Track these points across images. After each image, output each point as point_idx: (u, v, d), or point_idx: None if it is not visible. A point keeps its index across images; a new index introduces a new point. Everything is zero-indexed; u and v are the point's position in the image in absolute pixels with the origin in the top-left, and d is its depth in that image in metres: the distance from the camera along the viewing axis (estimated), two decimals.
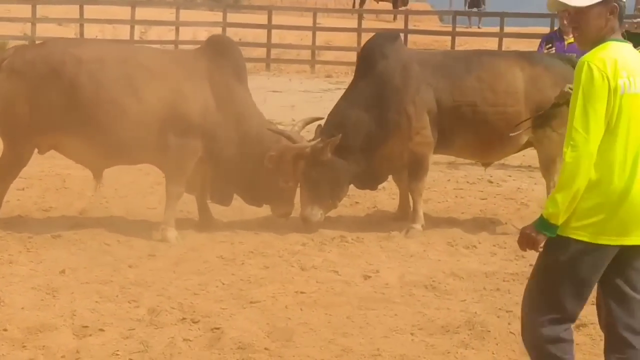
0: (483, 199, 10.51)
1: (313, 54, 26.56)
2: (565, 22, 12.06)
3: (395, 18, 34.90)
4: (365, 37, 24.43)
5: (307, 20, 28.04)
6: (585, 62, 4.10)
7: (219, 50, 8.88)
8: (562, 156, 4.14)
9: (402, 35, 24.96)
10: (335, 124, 8.91)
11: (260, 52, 26.78)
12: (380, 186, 9.66)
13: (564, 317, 4.32)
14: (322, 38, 27.92)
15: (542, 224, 4.20)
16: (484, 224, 9.28)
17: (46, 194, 10.11)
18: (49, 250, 7.87)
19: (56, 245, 8.04)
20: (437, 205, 10.16)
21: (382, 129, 8.85)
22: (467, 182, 11.50)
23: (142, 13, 27.44)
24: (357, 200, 10.05)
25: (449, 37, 26.37)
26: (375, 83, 8.92)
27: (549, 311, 4.31)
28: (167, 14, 28.65)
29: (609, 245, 4.19)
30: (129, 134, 8.39)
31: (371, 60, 9.03)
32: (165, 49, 19.87)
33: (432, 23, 37.88)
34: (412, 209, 9.03)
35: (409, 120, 8.81)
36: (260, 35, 26.99)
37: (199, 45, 9.53)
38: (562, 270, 4.24)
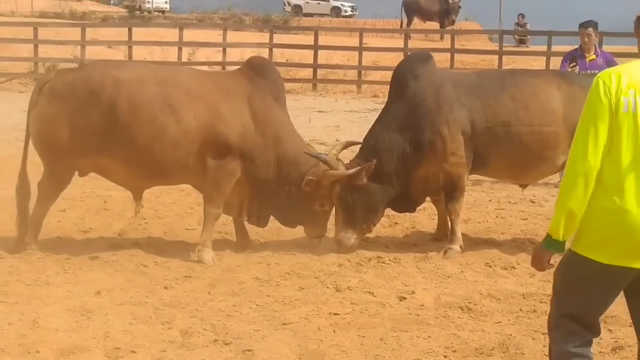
0: (524, 219, 10.40)
1: (359, 74, 26.58)
2: (585, 39, 12.05)
3: (442, 37, 34.89)
4: None
5: (354, 41, 28.08)
6: (596, 77, 4.04)
7: (258, 72, 8.89)
8: None
9: (449, 54, 25.23)
10: (370, 148, 8.87)
11: (307, 73, 26.89)
12: (419, 207, 9.58)
13: (575, 330, 4.20)
14: (368, 58, 27.96)
15: (547, 240, 4.18)
16: (524, 245, 9.18)
17: (86, 215, 10.18)
18: (85, 272, 7.91)
19: (93, 267, 8.08)
20: (477, 225, 10.07)
21: (416, 150, 8.79)
22: (509, 202, 11.39)
23: (190, 35, 27.66)
24: (395, 221, 10.00)
25: (496, 56, 26.28)
26: (408, 104, 8.86)
27: (561, 324, 4.23)
28: (215, 35, 28.90)
29: (630, 268, 4.06)
30: (168, 155, 8.43)
31: (403, 81, 8.98)
32: (211, 70, 19.99)
33: (482, 42, 37.82)
34: (450, 230, 8.96)
35: (443, 141, 8.74)
36: (307, 55, 27.10)
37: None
38: (578, 287, 4.16)
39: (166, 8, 56.58)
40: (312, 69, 26.59)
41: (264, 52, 25.53)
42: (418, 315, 6.95)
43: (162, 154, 8.42)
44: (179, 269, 8.08)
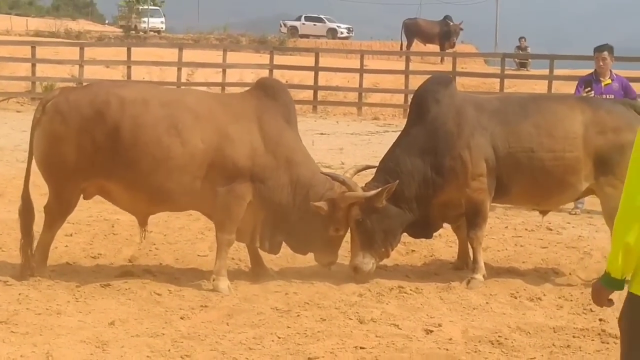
0: (544, 248, 10.11)
1: (360, 96, 26.38)
2: (601, 63, 11.78)
3: (442, 60, 34.76)
4: (413, 79, 24.41)
5: (352, 62, 27.91)
6: None
7: (269, 93, 8.58)
8: None
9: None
10: (389, 171, 8.58)
11: (307, 95, 26.69)
12: (436, 233, 9.29)
13: None
14: (369, 80, 27.75)
15: (605, 278, 3.97)
16: (547, 275, 8.90)
17: (94, 240, 9.86)
18: (97, 300, 7.58)
19: (105, 295, 7.75)
20: (497, 253, 9.77)
21: (437, 175, 8.51)
22: (526, 229, 11.11)
23: (189, 55, 27.42)
24: (413, 248, 9.70)
25: (497, 80, 26.08)
26: (428, 128, 8.59)
27: None
28: (214, 56, 28.69)
29: None
30: (174, 179, 8.08)
31: (424, 105, 8.71)
32: (212, 91, 19.78)
33: (478, 65, 37.70)
34: (472, 259, 8.67)
35: (464, 166, 8.46)
36: (307, 77, 26.91)
37: (246, 87, 9.26)
38: (631, 333, 3.90)
39: (162, 28, 56.34)
40: (312, 91, 26.39)
41: (264, 73, 25.31)
42: (447, 349, 6.63)
43: (167, 177, 8.06)
44: (194, 298, 7.76)
